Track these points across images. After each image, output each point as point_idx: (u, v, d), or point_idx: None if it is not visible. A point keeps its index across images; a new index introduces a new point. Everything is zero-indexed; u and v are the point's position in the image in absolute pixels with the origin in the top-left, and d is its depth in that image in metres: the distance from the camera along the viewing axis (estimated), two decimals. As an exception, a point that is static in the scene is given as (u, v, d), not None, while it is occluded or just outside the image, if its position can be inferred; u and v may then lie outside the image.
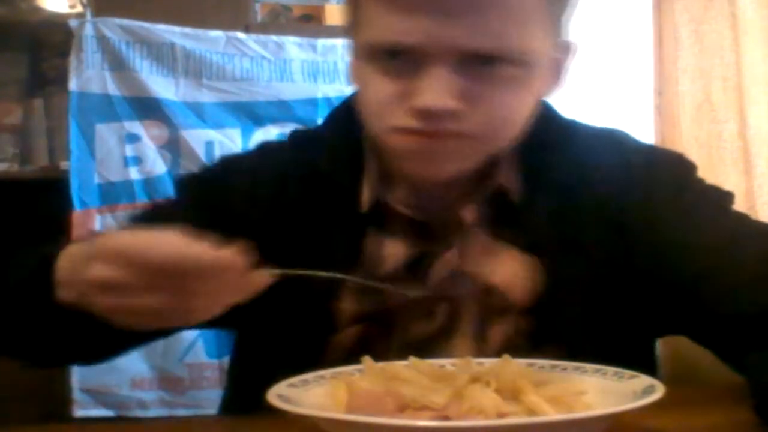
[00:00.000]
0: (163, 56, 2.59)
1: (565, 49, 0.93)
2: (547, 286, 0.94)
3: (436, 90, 0.82)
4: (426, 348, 0.91)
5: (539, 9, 0.84)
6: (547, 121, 0.98)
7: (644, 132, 2.42)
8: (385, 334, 0.94)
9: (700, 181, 1.00)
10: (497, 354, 0.78)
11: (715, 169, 2.27)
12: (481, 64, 0.83)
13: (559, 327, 0.94)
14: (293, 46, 2.70)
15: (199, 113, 2.63)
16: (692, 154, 2.30)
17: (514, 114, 0.89)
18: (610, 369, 0.75)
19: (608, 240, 0.95)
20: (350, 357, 0.83)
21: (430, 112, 0.83)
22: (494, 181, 0.94)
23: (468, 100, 0.83)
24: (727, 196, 0.98)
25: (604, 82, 2.67)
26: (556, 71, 0.93)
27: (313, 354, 0.90)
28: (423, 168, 0.90)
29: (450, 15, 0.81)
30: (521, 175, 0.96)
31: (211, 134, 2.64)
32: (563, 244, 0.95)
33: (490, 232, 0.95)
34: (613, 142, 1.03)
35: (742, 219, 0.95)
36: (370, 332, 0.93)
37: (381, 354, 0.83)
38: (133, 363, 2.49)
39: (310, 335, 0.92)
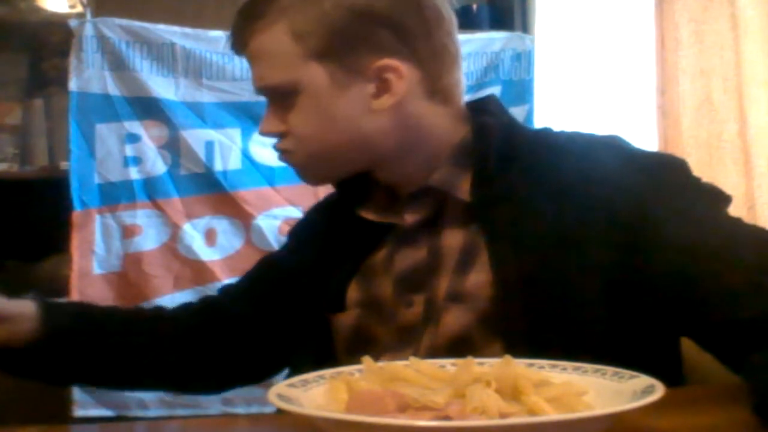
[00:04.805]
0: (163, 56, 2.59)
1: (371, 68, 1.03)
2: (536, 284, 0.95)
3: (263, 120, 1.09)
4: (410, 332, 1.03)
5: (283, 47, 1.03)
6: (508, 132, 1.08)
7: (647, 132, 2.42)
8: (378, 318, 1.06)
9: (696, 185, 1.00)
10: (449, 340, 0.98)
11: (715, 169, 2.27)
12: (275, 98, 1.07)
13: (558, 325, 0.94)
14: (293, 46, 2.69)
15: (199, 113, 2.62)
16: (692, 154, 2.30)
17: (311, 127, 1.05)
18: (610, 369, 0.75)
19: (602, 242, 0.95)
20: (353, 335, 1.07)
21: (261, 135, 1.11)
22: (426, 183, 1.05)
23: (281, 124, 1.07)
24: (723, 199, 0.99)
25: (607, 83, 2.68)
26: (382, 86, 1.04)
27: (327, 328, 1.09)
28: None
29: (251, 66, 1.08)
30: (476, 179, 1.03)
31: (211, 134, 2.63)
32: (550, 243, 0.97)
33: (445, 229, 1.05)
34: (607, 147, 1.04)
35: (736, 223, 0.96)
36: (367, 316, 1.07)
37: (375, 335, 1.06)
38: (133, 363, 2.49)
39: (325, 313, 1.10)
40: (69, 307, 1.20)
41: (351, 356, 1.05)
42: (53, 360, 1.10)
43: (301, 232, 1.27)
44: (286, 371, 1.17)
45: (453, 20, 1.09)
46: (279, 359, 1.21)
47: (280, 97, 1.06)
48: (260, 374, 1.26)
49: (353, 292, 1.09)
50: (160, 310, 1.28)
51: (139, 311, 1.31)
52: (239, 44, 1.08)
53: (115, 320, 1.19)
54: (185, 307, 1.25)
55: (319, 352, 1.07)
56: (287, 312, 1.16)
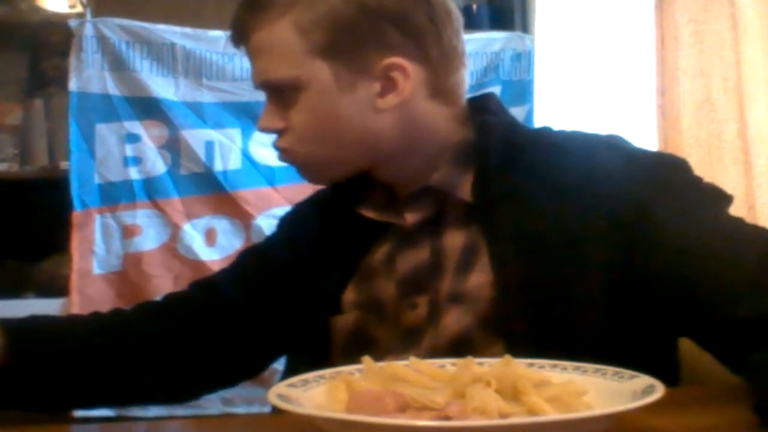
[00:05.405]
0: (163, 56, 2.59)
1: (379, 67, 1.01)
2: (538, 285, 0.95)
3: (261, 116, 1.06)
4: (414, 334, 1.02)
5: (288, 42, 1.00)
6: (509, 132, 1.07)
7: (647, 132, 2.42)
8: (378, 320, 1.05)
9: (697, 185, 1.00)
10: (449, 341, 0.98)
11: (715, 169, 2.27)
12: (275, 93, 1.04)
13: (558, 325, 0.94)
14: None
15: (199, 113, 2.63)
16: (692, 154, 2.30)
17: (313, 126, 1.03)
18: (610, 369, 0.75)
19: (602, 241, 0.95)
20: (352, 336, 1.05)
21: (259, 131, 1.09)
22: (427, 183, 1.04)
23: (281, 121, 1.04)
24: (724, 199, 0.99)
25: (607, 83, 2.68)
26: (388, 85, 1.02)
27: (324, 331, 1.07)
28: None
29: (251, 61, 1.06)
30: (477, 178, 1.02)
31: (211, 134, 2.64)
32: (551, 243, 0.97)
33: (448, 230, 1.04)
34: (608, 147, 1.04)
35: (737, 223, 0.96)
36: (367, 318, 1.05)
37: (375, 337, 1.04)
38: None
39: (321, 316, 1.08)
40: (31, 324, 1.07)
41: (350, 358, 1.03)
42: (31, 384, 1.03)
43: (292, 227, 1.23)
44: (280, 373, 1.14)
45: (460, 18, 1.07)
46: (266, 354, 1.19)
47: (281, 93, 1.03)
48: (249, 371, 1.21)
49: (351, 294, 1.08)
50: (122, 314, 1.17)
51: (102, 319, 1.14)
52: (240, 37, 1.05)
53: (80, 331, 1.10)
54: (153, 308, 1.18)
55: (316, 354, 1.06)
56: (279, 305, 1.13)
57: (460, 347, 0.97)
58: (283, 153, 1.07)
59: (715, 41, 2.32)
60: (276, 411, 0.70)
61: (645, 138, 2.40)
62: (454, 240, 1.03)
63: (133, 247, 2.57)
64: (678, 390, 0.95)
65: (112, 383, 1.09)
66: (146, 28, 2.58)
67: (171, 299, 1.19)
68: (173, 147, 2.61)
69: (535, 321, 0.95)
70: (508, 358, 0.71)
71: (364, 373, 0.75)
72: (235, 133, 2.66)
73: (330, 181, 1.12)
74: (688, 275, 0.90)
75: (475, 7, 3.03)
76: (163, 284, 2.54)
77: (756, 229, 0.96)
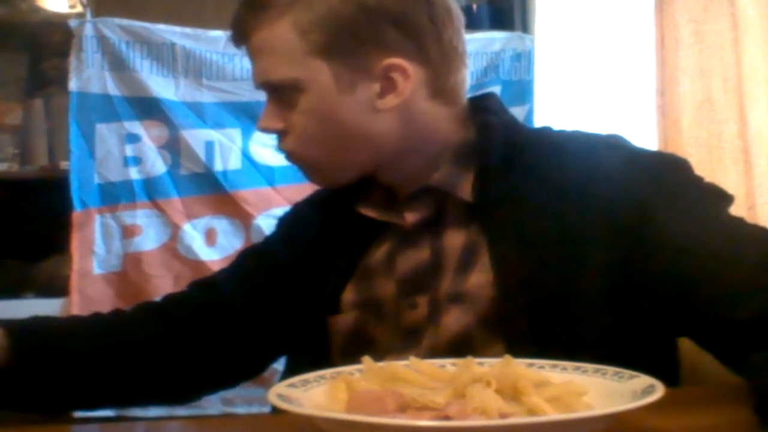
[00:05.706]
0: (163, 56, 2.59)
1: (378, 68, 1.01)
2: (539, 284, 0.95)
3: (261, 116, 1.06)
4: (414, 334, 1.02)
5: (287, 43, 1.00)
6: (510, 132, 1.07)
7: (647, 132, 2.42)
8: (377, 320, 1.05)
9: (698, 185, 1.00)
10: (449, 340, 0.98)
11: (715, 169, 2.27)
12: (276, 94, 1.04)
13: (559, 325, 0.94)
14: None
15: (199, 113, 2.63)
16: (692, 154, 2.30)
17: (313, 127, 1.03)
18: (610, 369, 0.75)
19: (603, 241, 0.95)
20: (352, 336, 1.05)
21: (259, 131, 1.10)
22: (427, 182, 1.04)
23: (281, 121, 1.05)
24: (725, 199, 0.99)
25: (607, 83, 2.68)
26: (387, 85, 1.02)
27: (323, 331, 1.07)
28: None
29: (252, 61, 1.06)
30: (478, 178, 1.03)
31: (211, 134, 2.64)
32: (548, 242, 0.97)
33: (448, 228, 1.04)
34: (608, 146, 1.04)
35: (738, 223, 0.96)
36: (366, 318, 1.05)
37: (375, 337, 1.04)
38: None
39: (320, 316, 1.08)
40: (33, 325, 1.07)
41: (349, 358, 1.03)
42: (32, 385, 1.03)
43: (292, 227, 1.22)
44: (280, 373, 1.14)
45: (461, 17, 1.07)
46: (266, 354, 1.19)
47: (282, 94, 1.03)
48: (249, 371, 1.21)
49: (350, 294, 1.08)
50: (123, 315, 1.17)
51: (102, 320, 1.14)
52: (241, 37, 1.05)
53: (81, 332, 1.10)
54: (153, 309, 1.17)
55: (316, 354, 1.05)
56: (279, 305, 1.13)
57: (460, 347, 0.97)
58: (290, 156, 1.07)
59: (715, 41, 2.32)
60: (276, 411, 0.70)
61: (645, 138, 2.40)
62: (454, 240, 1.03)
63: (133, 247, 2.57)
64: (678, 390, 0.95)
65: (112, 384, 1.09)
66: (146, 28, 2.58)
67: (171, 300, 1.19)
68: (173, 147, 2.61)
69: (535, 321, 0.95)
70: (508, 358, 0.71)
71: (364, 373, 0.75)
72: (235, 133, 2.66)
73: (336, 185, 1.11)
74: (688, 275, 0.90)
75: (475, 7, 3.03)
76: (163, 284, 2.54)
77: (756, 229, 0.96)
